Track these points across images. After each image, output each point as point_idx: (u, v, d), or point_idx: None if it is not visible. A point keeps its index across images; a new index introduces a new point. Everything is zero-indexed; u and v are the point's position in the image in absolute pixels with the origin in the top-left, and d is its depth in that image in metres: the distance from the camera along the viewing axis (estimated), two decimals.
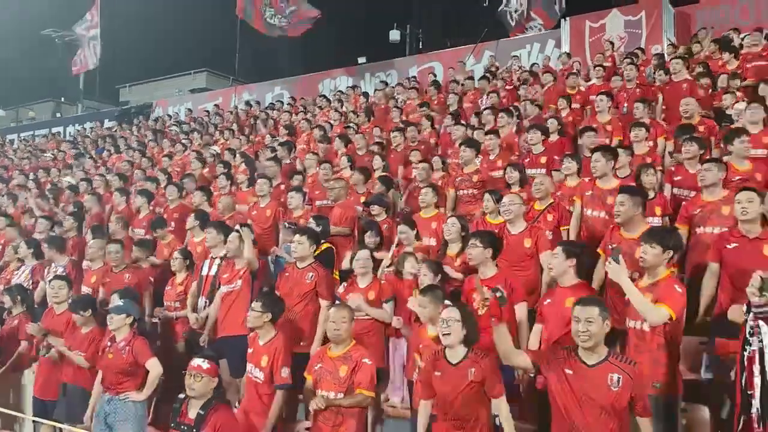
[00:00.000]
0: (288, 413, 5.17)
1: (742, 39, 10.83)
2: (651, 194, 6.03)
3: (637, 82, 9.50)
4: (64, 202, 10.44)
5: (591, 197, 5.89)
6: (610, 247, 4.73)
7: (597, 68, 11.04)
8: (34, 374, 6.09)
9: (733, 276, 4.40)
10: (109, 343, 5.15)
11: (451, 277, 5.30)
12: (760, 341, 2.93)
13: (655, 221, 5.71)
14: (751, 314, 2.97)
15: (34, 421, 5.68)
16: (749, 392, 2.99)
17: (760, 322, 2.94)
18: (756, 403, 2.97)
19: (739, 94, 8.54)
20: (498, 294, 3.60)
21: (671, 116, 8.41)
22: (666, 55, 11.15)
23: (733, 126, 6.88)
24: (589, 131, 7.39)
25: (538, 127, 7.73)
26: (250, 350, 4.84)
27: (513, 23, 16.54)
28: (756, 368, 2.95)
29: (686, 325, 4.44)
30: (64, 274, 6.67)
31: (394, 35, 21.63)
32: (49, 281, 6.26)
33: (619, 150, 6.45)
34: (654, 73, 10.19)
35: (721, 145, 6.65)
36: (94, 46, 23.33)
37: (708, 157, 6.09)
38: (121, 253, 6.63)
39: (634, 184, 6.07)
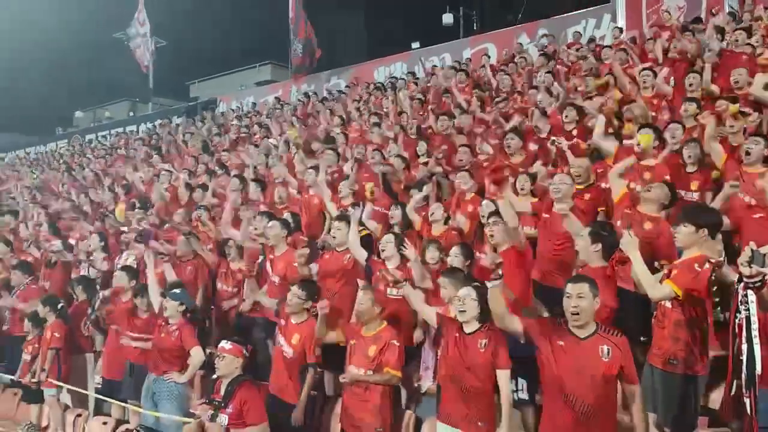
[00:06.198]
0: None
1: None
2: (692, 168, 6.03)
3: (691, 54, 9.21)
4: (134, 197, 11.10)
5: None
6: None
7: (649, 41, 10.77)
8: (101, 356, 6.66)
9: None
10: (162, 325, 5.59)
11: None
12: (747, 309, 3.01)
13: (689, 195, 5.72)
14: (742, 284, 3.05)
15: (99, 399, 6.22)
16: (740, 357, 3.08)
17: (749, 291, 3.02)
18: (744, 368, 3.05)
19: None
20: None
21: (724, 86, 8.16)
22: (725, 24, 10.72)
23: None
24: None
25: (574, 104, 7.70)
26: (282, 322, 5.16)
27: None
28: (744, 335, 3.03)
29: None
30: (130, 264, 7.22)
31: (447, 18, 21.57)
32: (117, 270, 6.79)
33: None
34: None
35: None
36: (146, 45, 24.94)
37: (755, 132, 6.00)
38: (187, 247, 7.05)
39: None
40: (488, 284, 3.85)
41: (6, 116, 39.20)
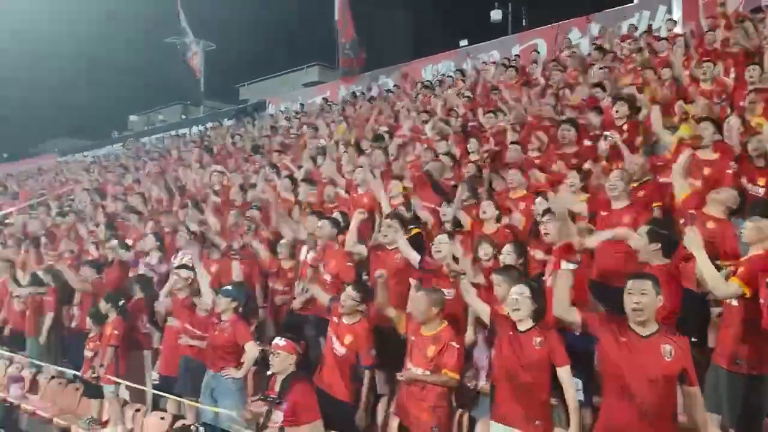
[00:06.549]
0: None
1: None
2: (760, 162, 5.81)
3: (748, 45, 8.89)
4: (188, 198, 11.32)
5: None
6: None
7: (709, 33, 10.41)
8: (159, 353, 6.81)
9: None
10: (216, 322, 5.68)
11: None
12: None
13: (755, 190, 5.55)
14: None
15: (156, 395, 6.37)
16: None
17: None
18: None
19: None
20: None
21: None
22: None
23: None
24: None
25: (625, 99, 7.48)
26: (334, 319, 5.21)
27: None
28: None
29: None
30: (186, 263, 7.36)
31: (496, 15, 21.30)
32: (174, 268, 6.94)
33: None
34: None
35: None
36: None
37: None
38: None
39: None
40: (563, 264, 3.78)
41: (65, 121, 40.83)
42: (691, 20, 12.95)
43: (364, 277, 6.39)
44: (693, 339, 4.30)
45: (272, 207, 7.54)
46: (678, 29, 12.34)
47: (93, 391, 6.96)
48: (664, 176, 6.02)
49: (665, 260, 4.32)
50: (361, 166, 8.02)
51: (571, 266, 3.76)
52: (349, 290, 5.16)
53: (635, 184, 5.88)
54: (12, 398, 8.11)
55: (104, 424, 6.93)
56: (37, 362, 8.46)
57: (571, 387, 3.87)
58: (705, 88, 7.82)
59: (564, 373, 3.90)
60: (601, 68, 10.09)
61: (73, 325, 7.98)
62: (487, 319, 4.37)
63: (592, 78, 9.91)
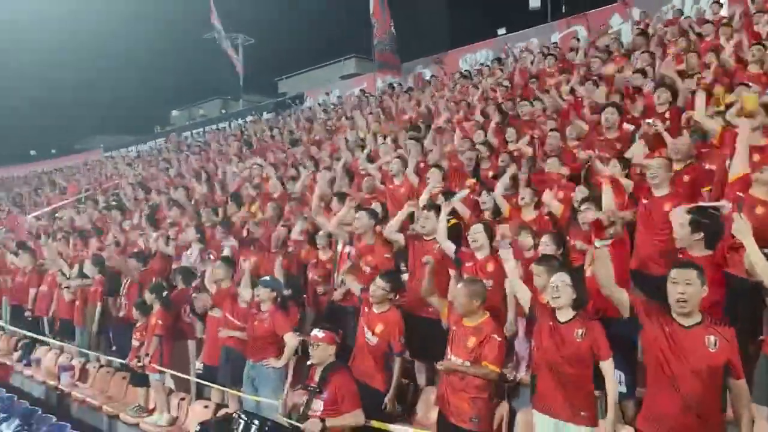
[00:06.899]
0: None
1: None
2: None
3: None
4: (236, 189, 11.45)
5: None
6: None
7: (757, 15, 10.05)
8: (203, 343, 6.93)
9: None
10: (255, 311, 5.77)
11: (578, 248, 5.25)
12: None
13: None
14: None
15: (199, 384, 6.51)
16: None
17: None
18: None
19: None
20: None
21: None
22: None
23: None
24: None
25: (667, 85, 7.28)
26: (365, 309, 5.25)
27: None
28: None
29: None
30: (227, 255, 7.48)
31: (534, 2, 20.85)
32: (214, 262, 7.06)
33: None
34: None
35: None
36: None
37: None
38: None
39: None
40: (596, 243, 3.71)
41: (110, 118, 41.86)
42: (737, 2, 12.53)
43: (402, 268, 6.40)
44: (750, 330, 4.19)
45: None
46: (724, 12, 11.94)
47: (139, 379, 7.15)
48: (709, 163, 5.86)
49: (707, 251, 4.20)
50: (398, 158, 8.03)
51: (606, 242, 3.66)
52: (378, 280, 5.18)
53: (679, 167, 5.74)
54: (63, 386, 8.40)
55: (151, 411, 7.11)
56: (86, 351, 8.74)
57: (613, 380, 3.80)
58: (753, 72, 7.57)
59: (607, 366, 3.83)
60: (643, 52, 9.86)
61: (121, 314, 8.19)
62: (527, 306, 4.32)
63: (635, 64, 9.69)
